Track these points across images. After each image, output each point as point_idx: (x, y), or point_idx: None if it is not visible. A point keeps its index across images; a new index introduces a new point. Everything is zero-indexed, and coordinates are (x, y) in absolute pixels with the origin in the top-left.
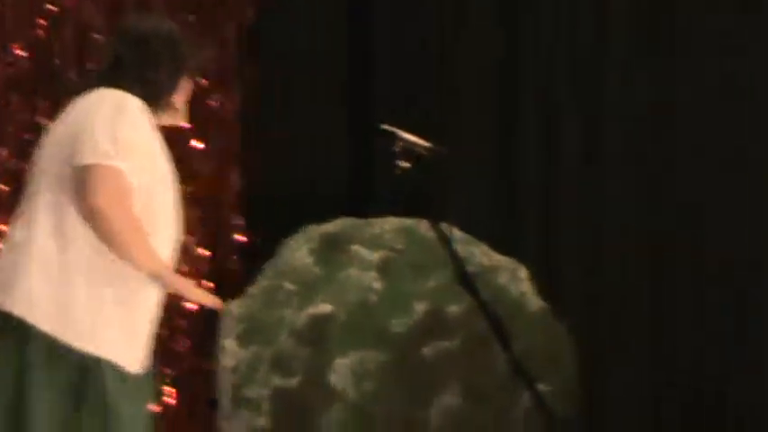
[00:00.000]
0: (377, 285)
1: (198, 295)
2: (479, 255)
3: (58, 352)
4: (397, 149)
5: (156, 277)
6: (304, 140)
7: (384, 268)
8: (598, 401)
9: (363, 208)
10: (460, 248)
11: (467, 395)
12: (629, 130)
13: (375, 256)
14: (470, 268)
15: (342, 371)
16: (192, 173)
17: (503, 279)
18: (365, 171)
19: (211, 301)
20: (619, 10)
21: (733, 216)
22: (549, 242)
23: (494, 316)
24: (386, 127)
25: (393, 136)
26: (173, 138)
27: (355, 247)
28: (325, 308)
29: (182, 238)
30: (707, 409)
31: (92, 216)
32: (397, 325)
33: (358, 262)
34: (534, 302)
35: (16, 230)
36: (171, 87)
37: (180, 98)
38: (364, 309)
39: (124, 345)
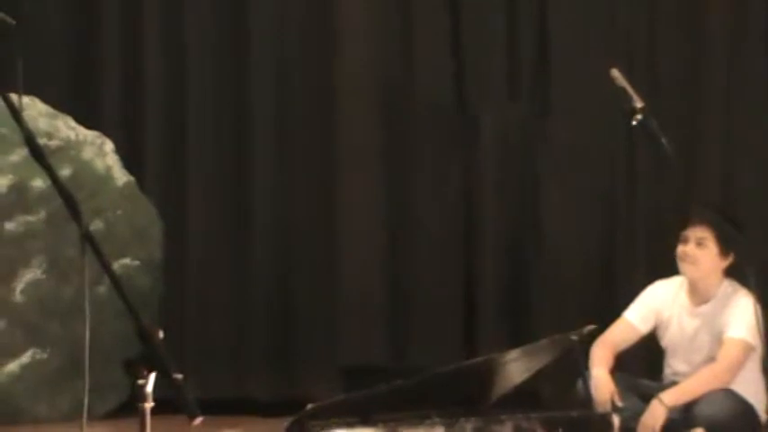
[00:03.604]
0: None
1: None
2: (64, 128)
3: None
4: None
5: None
6: None
7: None
8: (181, 274)
9: None
10: (44, 122)
11: (51, 270)
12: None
13: None
14: (55, 142)
15: None
16: None
17: (88, 153)
18: None
19: None
20: None
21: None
22: (135, 116)
23: (64, 190)
24: None
25: None
26: None
27: None
28: None
29: None
30: (290, 278)
31: None
32: None
33: None
34: (121, 177)
35: None
36: None
37: None
38: None
39: None
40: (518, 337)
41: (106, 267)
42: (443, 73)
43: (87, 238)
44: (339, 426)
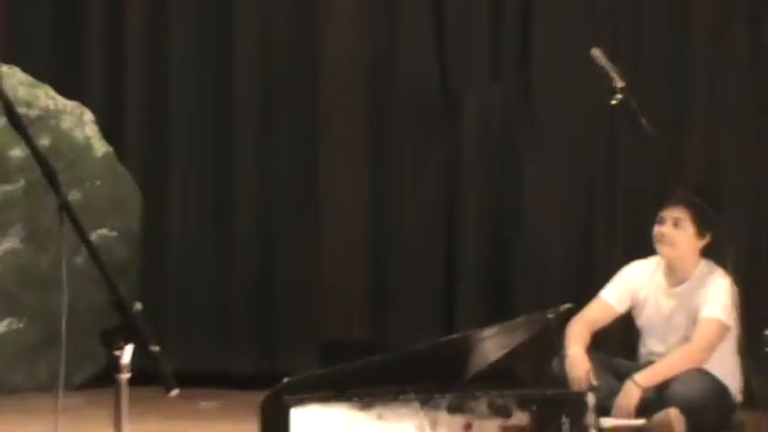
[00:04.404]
0: None
1: None
2: (44, 98)
3: None
4: None
5: None
6: None
7: None
8: (160, 245)
9: None
10: (24, 91)
11: (29, 240)
12: None
13: None
14: (35, 111)
15: None
16: None
17: (67, 123)
18: None
19: None
20: None
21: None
22: (115, 87)
23: (41, 159)
24: None
25: None
26: None
27: None
28: None
29: None
30: (271, 246)
31: None
32: None
33: None
34: (99, 147)
35: None
36: None
37: None
38: None
39: None
40: (497, 316)
41: (83, 238)
42: (426, 54)
43: (65, 208)
44: (314, 400)
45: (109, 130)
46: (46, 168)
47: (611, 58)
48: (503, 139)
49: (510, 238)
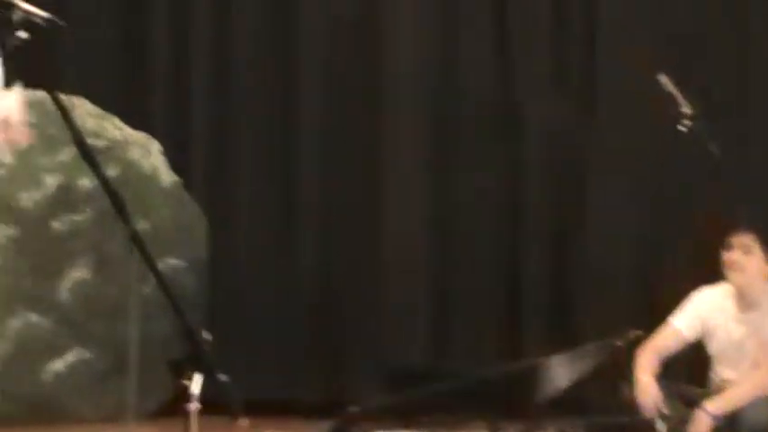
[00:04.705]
0: (6, 159)
1: None
2: (112, 129)
3: None
4: (15, 19)
5: None
6: None
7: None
8: (227, 273)
9: None
10: (92, 122)
11: (97, 269)
12: (256, 17)
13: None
14: (102, 142)
15: None
16: None
17: (135, 153)
18: None
19: None
20: None
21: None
22: (181, 117)
23: (112, 191)
24: None
25: (10, 5)
26: None
27: None
28: None
29: None
30: (335, 274)
31: None
32: (27, 199)
33: None
34: (166, 176)
35: None
36: None
37: None
38: None
39: None
40: (562, 337)
41: (152, 267)
42: (489, 68)
43: (134, 238)
44: (381, 429)
45: (175, 159)
46: (115, 199)
47: (679, 83)
48: (567, 155)
49: (575, 257)
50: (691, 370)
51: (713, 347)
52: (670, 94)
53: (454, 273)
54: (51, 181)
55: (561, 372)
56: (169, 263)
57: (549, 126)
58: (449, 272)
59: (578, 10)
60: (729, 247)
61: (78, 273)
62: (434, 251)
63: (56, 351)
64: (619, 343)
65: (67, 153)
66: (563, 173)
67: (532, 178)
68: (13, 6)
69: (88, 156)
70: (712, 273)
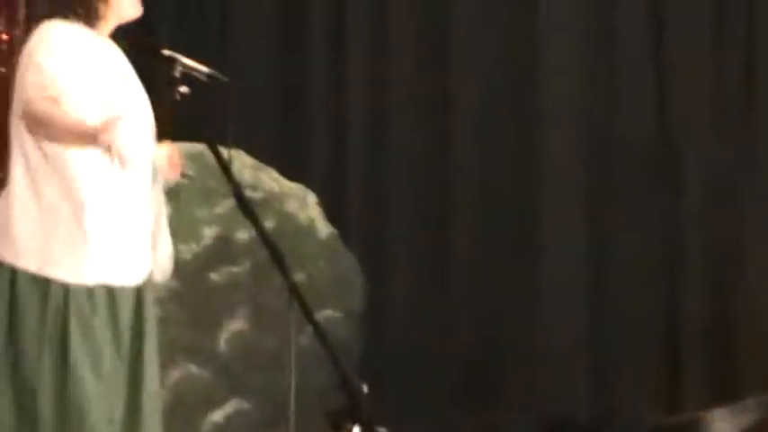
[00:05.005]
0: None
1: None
2: (268, 180)
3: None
4: (177, 75)
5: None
6: None
7: (173, 193)
8: (383, 325)
9: None
10: (249, 174)
11: (254, 321)
12: (415, 59)
13: (163, 181)
14: (259, 194)
15: None
16: None
17: (292, 205)
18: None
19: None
20: None
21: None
22: (335, 168)
23: (271, 243)
24: (166, 52)
25: (173, 61)
26: None
27: None
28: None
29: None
30: (489, 338)
31: (32, 124)
32: (186, 251)
33: None
34: (323, 229)
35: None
36: None
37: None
38: None
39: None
40: (723, 390)
41: (311, 319)
42: (647, 108)
43: (292, 290)
44: None
45: (331, 211)
46: (274, 251)
47: None
48: (727, 198)
49: (735, 303)
50: None
51: None
52: None
53: (612, 321)
54: (209, 233)
55: (723, 426)
56: (325, 314)
57: (708, 165)
58: (607, 320)
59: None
60: None
61: (236, 324)
62: (592, 300)
63: (214, 402)
64: None
65: (225, 205)
66: (723, 213)
67: (692, 218)
68: (176, 62)
69: (246, 208)
70: None
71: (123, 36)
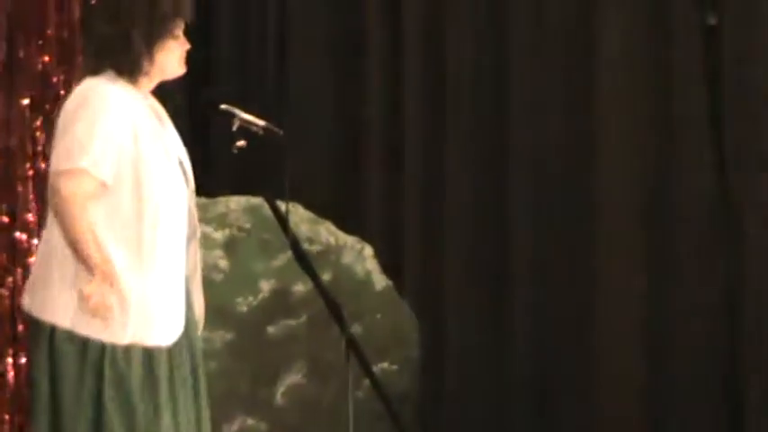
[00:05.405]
0: (223, 264)
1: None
2: (325, 233)
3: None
4: (234, 128)
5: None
6: None
7: (230, 247)
8: (440, 378)
9: (204, 188)
10: (306, 227)
11: (311, 374)
12: (471, 113)
13: (221, 235)
14: (316, 247)
15: None
16: None
17: (348, 258)
18: (203, 150)
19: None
20: None
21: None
22: (392, 221)
23: (329, 296)
24: (224, 106)
25: (231, 115)
26: None
27: (200, 227)
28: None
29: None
30: (547, 387)
31: (53, 216)
32: (243, 304)
33: (203, 241)
34: (379, 281)
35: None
36: (149, 53)
37: (168, 58)
38: (209, 287)
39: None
40: None
41: (368, 372)
42: (705, 171)
43: (350, 343)
44: None
45: (388, 263)
46: (332, 304)
47: None
48: None
49: None
50: None
51: None
52: None
53: (670, 383)
54: (267, 286)
55: None
56: (382, 366)
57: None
58: (663, 383)
59: None
60: None
61: (293, 377)
62: (649, 359)
63: None
64: None
65: (282, 258)
66: None
67: (752, 282)
68: (233, 116)
69: (303, 261)
70: None
71: (182, 92)
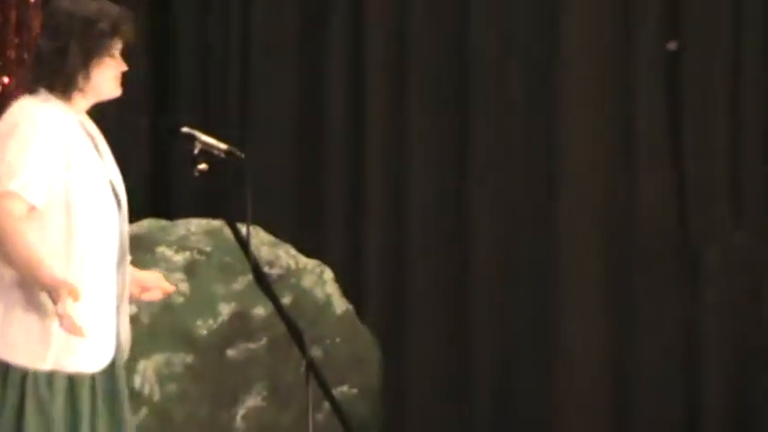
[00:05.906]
0: (183, 287)
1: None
2: (285, 257)
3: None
4: (195, 152)
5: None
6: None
7: (190, 270)
8: (400, 402)
9: (165, 210)
10: (266, 250)
11: (272, 397)
12: (436, 135)
13: (181, 258)
14: (276, 271)
15: (146, 373)
16: None
17: (308, 281)
18: (164, 173)
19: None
20: None
21: (536, 217)
22: (352, 244)
23: (289, 320)
24: (185, 129)
25: (192, 138)
26: None
27: (161, 249)
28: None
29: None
30: (508, 407)
31: None
32: (203, 327)
33: (164, 263)
34: (339, 304)
35: None
36: (85, 68)
37: (103, 76)
38: (169, 310)
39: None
40: None
41: (328, 395)
42: (665, 200)
43: (310, 366)
44: None
45: (348, 287)
46: (292, 327)
47: None
48: (749, 291)
49: (759, 401)
50: None
51: None
52: None
53: (631, 409)
54: (227, 309)
55: None
56: (342, 390)
57: (729, 257)
58: (625, 408)
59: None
60: None
61: (253, 400)
62: (611, 385)
63: None
64: None
65: (242, 282)
66: (746, 306)
67: (712, 310)
68: (194, 139)
69: (264, 284)
70: None
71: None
